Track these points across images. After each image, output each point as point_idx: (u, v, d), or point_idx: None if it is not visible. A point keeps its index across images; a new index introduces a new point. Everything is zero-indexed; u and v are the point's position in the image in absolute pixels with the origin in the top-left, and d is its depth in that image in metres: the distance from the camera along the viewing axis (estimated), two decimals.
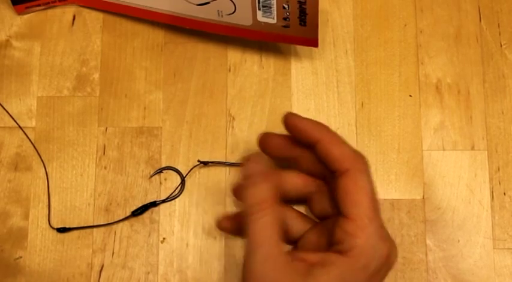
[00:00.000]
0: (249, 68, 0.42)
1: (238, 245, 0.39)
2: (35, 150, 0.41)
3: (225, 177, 0.40)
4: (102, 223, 0.40)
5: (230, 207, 0.40)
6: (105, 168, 0.41)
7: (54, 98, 0.42)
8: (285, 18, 0.38)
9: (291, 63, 0.42)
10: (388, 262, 0.32)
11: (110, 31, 0.43)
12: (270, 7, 0.38)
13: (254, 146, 0.40)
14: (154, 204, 0.40)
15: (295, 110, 0.42)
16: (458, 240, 0.39)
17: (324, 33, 0.43)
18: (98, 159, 0.41)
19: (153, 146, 0.41)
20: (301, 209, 0.38)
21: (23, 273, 0.39)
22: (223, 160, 0.41)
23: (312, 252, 0.32)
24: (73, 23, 0.43)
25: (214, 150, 0.41)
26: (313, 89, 0.42)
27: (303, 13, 0.37)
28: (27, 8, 0.43)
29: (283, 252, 0.31)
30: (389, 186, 0.40)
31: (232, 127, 0.41)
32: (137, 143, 0.41)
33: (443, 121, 0.41)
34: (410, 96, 0.42)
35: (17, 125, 0.41)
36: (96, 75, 0.42)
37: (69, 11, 0.43)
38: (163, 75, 0.42)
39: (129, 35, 0.43)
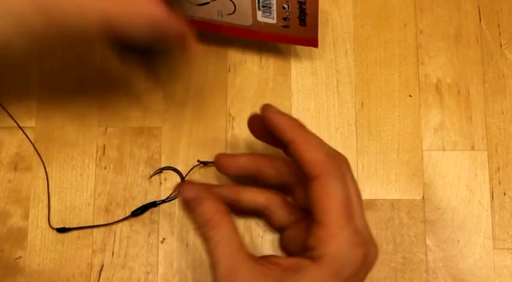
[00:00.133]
0: (249, 68, 0.42)
1: None
2: (34, 150, 0.41)
3: (225, 177, 0.40)
4: (102, 223, 0.40)
5: None
6: (105, 168, 0.41)
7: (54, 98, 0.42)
8: (284, 19, 0.38)
9: (290, 64, 0.42)
10: (364, 265, 0.31)
11: None
12: (270, 7, 0.38)
13: (254, 146, 0.40)
14: (154, 204, 0.40)
15: (295, 110, 0.42)
16: (458, 240, 0.39)
17: (324, 33, 0.43)
18: (97, 160, 0.41)
19: (153, 146, 0.41)
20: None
21: (23, 273, 0.39)
22: None
23: (285, 257, 0.33)
24: None
25: (214, 150, 0.41)
26: (313, 89, 0.42)
27: (302, 13, 0.37)
28: None
29: (249, 259, 0.31)
30: (389, 186, 0.40)
31: (232, 127, 0.41)
32: (137, 143, 0.41)
33: (443, 121, 0.41)
34: (410, 96, 0.42)
35: (17, 125, 0.41)
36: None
37: None
38: (163, 75, 0.42)
39: None
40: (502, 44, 0.42)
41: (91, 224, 0.40)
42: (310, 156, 0.31)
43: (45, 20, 0.28)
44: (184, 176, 0.40)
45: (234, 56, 0.42)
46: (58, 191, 0.40)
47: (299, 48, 0.42)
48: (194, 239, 0.40)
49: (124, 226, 0.40)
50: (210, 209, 0.32)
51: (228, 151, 0.41)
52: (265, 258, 0.33)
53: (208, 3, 0.39)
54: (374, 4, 0.43)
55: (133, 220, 0.40)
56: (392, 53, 0.42)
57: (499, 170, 0.41)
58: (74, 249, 0.39)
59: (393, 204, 0.40)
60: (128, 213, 0.40)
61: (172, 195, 0.40)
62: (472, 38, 0.43)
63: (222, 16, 0.39)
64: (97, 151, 0.41)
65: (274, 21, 0.38)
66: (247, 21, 0.39)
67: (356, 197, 0.32)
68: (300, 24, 0.38)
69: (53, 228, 0.40)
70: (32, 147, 0.41)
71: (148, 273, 0.39)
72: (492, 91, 0.42)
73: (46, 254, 0.39)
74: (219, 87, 0.42)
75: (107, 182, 0.40)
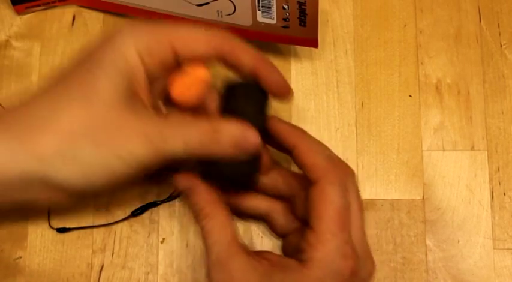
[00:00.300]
0: None
1: None
2: None
3: None
4: (102, 223, 0.40)
5: None
6: None
7: None
8: (284, 19, 0.38)
9: (290, 64, 0.42)
10: (354, 279, 0.31)
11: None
12: (270, 7, 0.38)
13: None
14: (154, 204, 0.40)
15: (294, 110, 0.42)
16: (458, 241, 0.39)
17: (324, 34, 0.43)
18: None
19: None
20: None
21: (23, 274, 0.39)
22: None
23: (278, 255, 0.34)
24: (73, 23, 0.43)
25: None
26: (313, 89, 0.42)
27: (302, 13, 0.37)
28: (27, 8, 0.43)
29: (241, 250, 0.31)
30: (389, 186, 0.40)
31: None
32: None
33: (443, 121, 0.41)
34: (410, 96, 0.42)
35: None
36: None
37: (69, 11, 0.43)
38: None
39: None
40: (502, 44, 0.42)
41: (91, 224, 0.40)
42: (311, 161, 0.32)
43: (154, 155, 0.30)
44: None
45: None
46: None
47: (299, 48, 0.42)
48: (194, 239, 0.40)
49: (124, 226, 0.40)
50: (203, 198, 0.33)
51: None
52: (258, 253, 0.33)
53: (208, 3, 0.39)
54: (374, 4, 0.43)
55: (133, 220, 0.40)
56: (392, 53, 0.42)
57: (499, 170, 0.41)
58: (73, 249, 0.39)
59: (393, 204, 0.40)
60: (128, 213, 0.40)
61: (172, 195, 0.40)
62: (472, 38, 0.43)
63: (221, 16, 0.39)
64: None
65: (274, 22, 0.38)
66: (247, 22, 0.39)
67: (356, 210, 0.32)
68: (300, 24, 0.38)
69: (53, 228, 0.40)
70: None
71: (148, 273, 0.39)
72: (492, 91, 0.42)
73: (46, 254, 0.39)
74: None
75: None
